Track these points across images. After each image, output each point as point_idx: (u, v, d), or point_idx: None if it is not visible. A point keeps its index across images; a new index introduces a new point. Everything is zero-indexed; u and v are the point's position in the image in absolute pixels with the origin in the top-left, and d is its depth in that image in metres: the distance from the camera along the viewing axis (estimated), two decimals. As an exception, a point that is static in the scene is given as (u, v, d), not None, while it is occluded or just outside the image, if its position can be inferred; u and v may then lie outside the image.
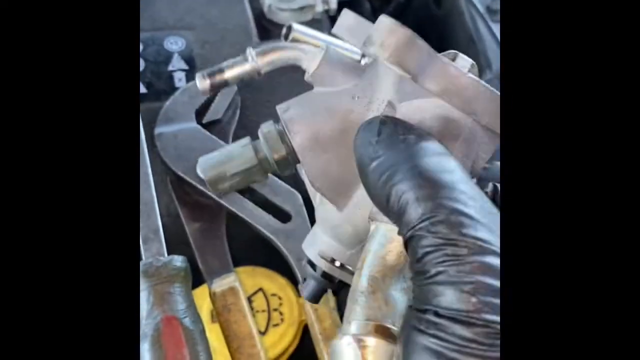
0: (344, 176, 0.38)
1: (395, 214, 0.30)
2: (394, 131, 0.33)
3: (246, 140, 0.42)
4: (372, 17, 1.04)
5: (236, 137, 0.69)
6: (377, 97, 0.37)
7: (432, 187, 0.29)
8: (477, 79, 0.36)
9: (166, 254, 0.58)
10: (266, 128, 0.41)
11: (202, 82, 0.44)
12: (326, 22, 0.82)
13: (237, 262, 0.66)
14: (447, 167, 0.30)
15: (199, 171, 0.42)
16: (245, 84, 0.72)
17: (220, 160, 0.42)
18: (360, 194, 0.37)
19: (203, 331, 0.54)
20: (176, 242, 0.64)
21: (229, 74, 0.44)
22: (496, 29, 0.82)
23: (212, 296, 0.60)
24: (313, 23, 0.80)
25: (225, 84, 0.45)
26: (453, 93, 0.35)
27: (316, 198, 0.41)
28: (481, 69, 0.80)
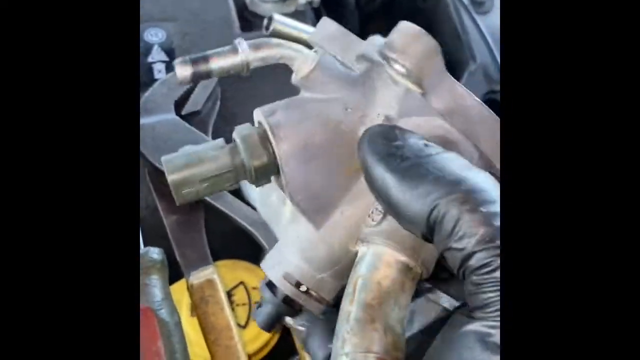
0: (326, 191, 0.35)
1: (447, 230, 0.29)
2: (413, 137, 0.32)
3: (220, 142, 0.37)
4: (356, 11, 1.03)
5: (216, 129, 0.69)
6: (373, 111, 0.35)
7: (487, 206, 0.28)
8: (482, 103, 0.35)
9: (143, 246, 0.58)
10: (245, 131, 0.36)
11: (182, 69, 0.38)
12: (309, 13, 0.82)
13: (218, 256, 0.65)
14: (489, 183, 0.30)
15: (165, 170, 0.36)
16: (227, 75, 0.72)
17: (189, 162, 0.36)
18: (340, 213, 0.35)
19: (179, 323, 0.53)
20: (154, 235, 0.63)
21: (215, 64, 0.38)
22: (481, 21, 0.81)
23: (190, 288, 0.60)
24: (296, 15, 0.79)
25: (208, 75, 0.39)
26: (457, 114, 0.34)
27: (284, 214, 0.38)
28: (466, 60, 0.80)
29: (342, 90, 0.36)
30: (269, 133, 0.35)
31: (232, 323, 0.59)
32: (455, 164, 0.30)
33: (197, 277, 0.60)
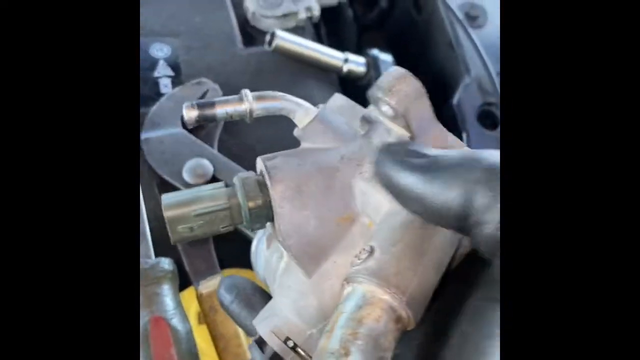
0: (319, 238, 0.35)
1: (484, 204, 0.29)
2: (427, 147, 0.34)
3: (220, 184, 0.39)
4: (354, 24, 1.05)
5: (221, 142, 0.71)
6: (368, 160, 0.36)
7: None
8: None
9: (154, 257, 0.59)
10: (244, 175, 0.38)
11: (189, 112, 0.40)
12: (309, 29, 0.84)
13: (224, 266, 0.67)
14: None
15: (163, 208, 0.38)
16: (230, 87, 0.74)
17: (186, 200, 0.38)
18: (333, 262, 0.35)
19: (190, 331, 0.55)
20: (163, 246, 0.65)
21: (220, 109, 0.40)
22: (475, 35, 0.84)
23: (199, 297, 0.62)
24: (296, 30, 0.81)
25: (213, 118, 0.41)
26: None
27: (279, 266, 0.38)
28: (460, 73, 0.82)
29: (340, 142, 0.37)
30: (266, 175, 0.36)
31: (240, 331, 0.60)
32: (470, 151, 0.32)
33: (206, 286, 0.61)
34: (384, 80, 0.36)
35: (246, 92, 0.40)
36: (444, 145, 0.35)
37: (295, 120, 0.40)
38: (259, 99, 0.40)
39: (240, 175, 0.38)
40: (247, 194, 0.37)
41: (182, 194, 0.38)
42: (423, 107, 0.36)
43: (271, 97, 0.40)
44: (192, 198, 0.38)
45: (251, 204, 0.36)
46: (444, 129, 0.36)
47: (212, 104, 0.40)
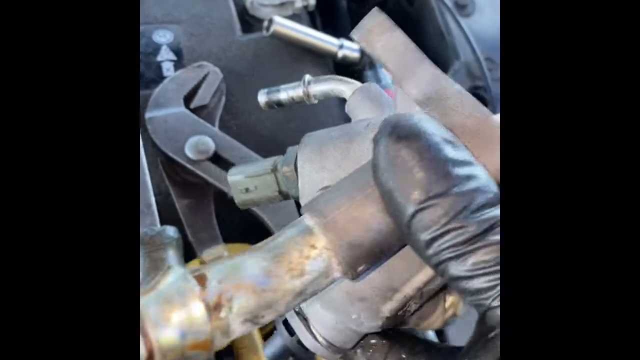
0: None
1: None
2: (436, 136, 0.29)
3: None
4: (348, 16, 1.09)
5: (222, 121, 0.74)
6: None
7: None
8: (466, 92, 0.32)
9: (159, 226, 0.62)
10: (292, 148, 0.42)
11: (261, 97, 0.50)
12: (305, 17, 0.88)
13: (227, 241, 0.70)
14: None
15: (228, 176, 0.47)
16: (229, 71, 0.78)
17: (243, 167, 0.46)
18: None
19: (195, 294, 0.58)
20: (167, 219, 0.68)
21: (284, 95, 0.49)
22: (464, 23, 0.88)
23: (202, 265, 0.65)
24: (292, 18, 0.85)
25: (279, 103, 0.50)
26: (435, 103, 0.31)
27: None
28: (450, 59, 0.86)
29: (374, 113, 0.40)
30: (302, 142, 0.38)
31: (242, 296, 0.63)
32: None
33: (209, 254, 0.65)
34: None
35: (306, 78, 0.48)
36: (438, 90, 0.32)
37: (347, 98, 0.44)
38: (316, 83, 0.46)
39: (289, 148, 0.42)
40: (285, 160, 0.42)
41: (245, 164, 0.46)
42: (393, 42, 0.32)
43: (326, 80, 0.47)
44: (248, 166, 0.45)
45: (285, 169, 0.42)
46: (438, 70, 0.32)
47: (278, 91, 0.49)
